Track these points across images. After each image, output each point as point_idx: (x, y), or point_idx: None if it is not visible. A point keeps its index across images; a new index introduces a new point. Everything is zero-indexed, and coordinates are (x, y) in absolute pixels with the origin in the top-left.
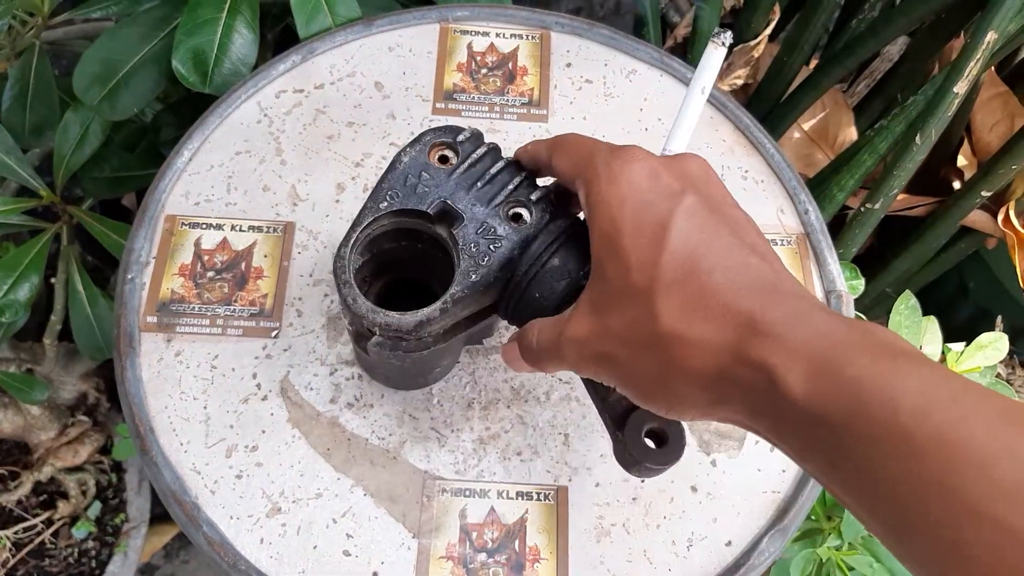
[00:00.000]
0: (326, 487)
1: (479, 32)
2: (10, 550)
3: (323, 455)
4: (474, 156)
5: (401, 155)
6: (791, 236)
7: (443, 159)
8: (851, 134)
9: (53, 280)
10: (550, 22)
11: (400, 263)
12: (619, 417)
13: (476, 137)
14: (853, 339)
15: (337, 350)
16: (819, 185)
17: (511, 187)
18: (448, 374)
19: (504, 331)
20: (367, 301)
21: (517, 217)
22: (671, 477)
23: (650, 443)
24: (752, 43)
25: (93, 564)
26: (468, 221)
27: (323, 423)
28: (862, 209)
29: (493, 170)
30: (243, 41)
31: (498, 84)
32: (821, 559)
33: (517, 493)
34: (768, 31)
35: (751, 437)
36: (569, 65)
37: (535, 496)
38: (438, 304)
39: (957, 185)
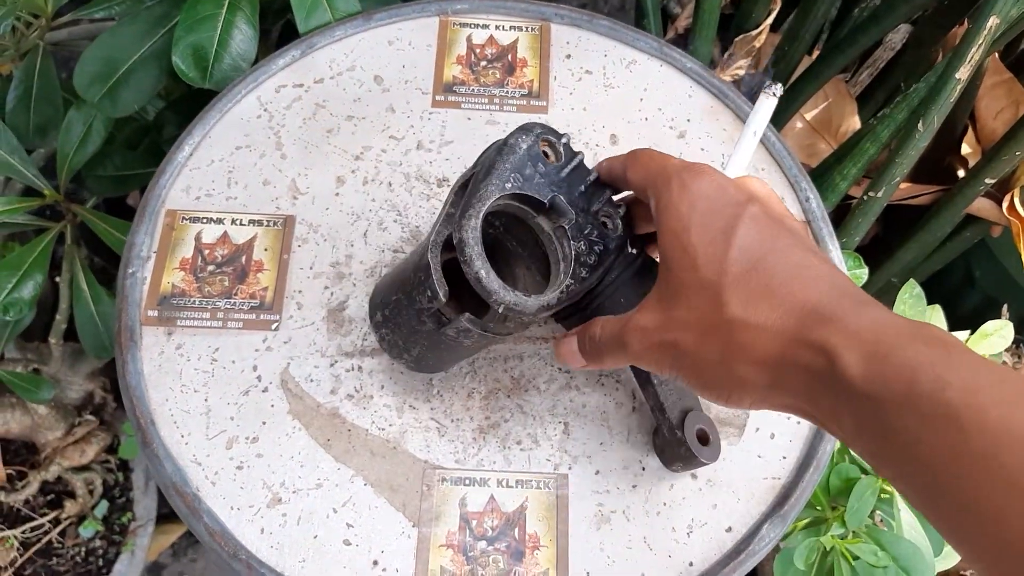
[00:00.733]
0: (326, 477)
1: (478, 24)
2: (18, 549)
3: (323, 446)
4: (576, 161)
5: (519, 141)
6: None
7: (545, 155)
8: (854, 123)
9: (59, 279)
10: (549, 14)
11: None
12: (678, 418)
13: (570, 143)
14: (908, 329)
15: (337, 342)
16: (822, 175)
17: (604, 198)
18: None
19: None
20: (499, 279)
21: (604, 226)
22: None
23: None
24: (753, 33)
25: (100, 563)
26: (573, 221)
27: (323, 414)
28: (865, 198)
29: (590, 178)
30: (243, 37)
31: (498, 76)
32: (825, 548)
33: (517, 481)
34: (769, 21)
35: (751, 424)
36: (569, 56)
37: (535, 484)
38: (556, 293)
39: (962, 173)
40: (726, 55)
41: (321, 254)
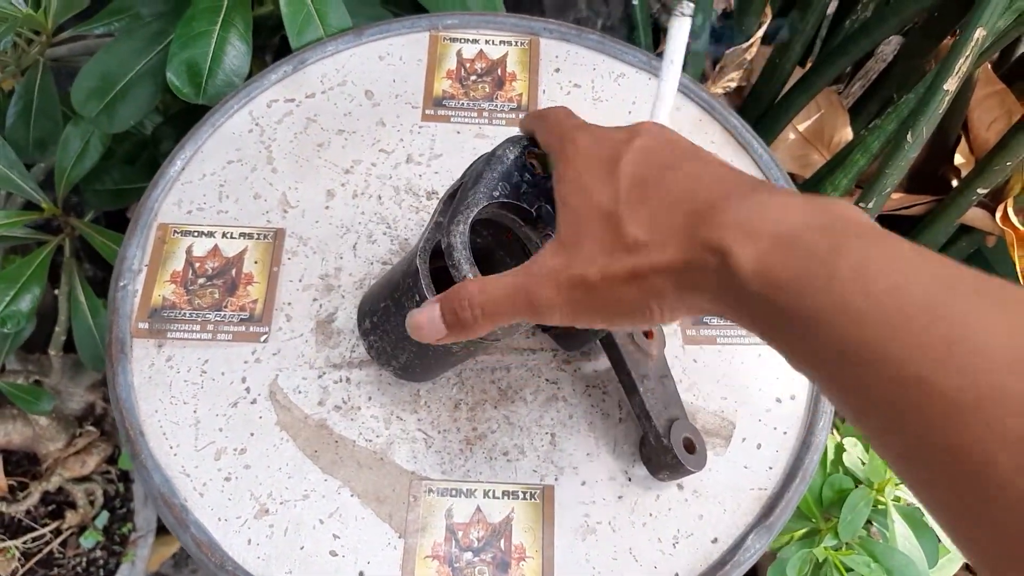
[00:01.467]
0: (313, 488)
1: (468, 39)
2: (19, 560)
3: (311, 457)
4: None
5: (507, 152)
6: None
7: (532, 166)
8: (846, 134)
9: (58, 292)
10: (539, 28)
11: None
12: (664, 427)
13: None
14: (806, 218)
15: (325, 354)
16: (815, 185)
17: None
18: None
19: None
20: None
21: None
22: None
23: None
24: (744, 46)
25: (101, 573)
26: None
27: (311, 426)
28: None
29: None
30: (236, 53)
31: (487, 90)
32: (818, 559)
33: (503, 492)
34: (760, 33)
35: (737, 434)
36: (558, 70)
37: (521, 495)
38: None
39: (955, 184)
40: (717, 68)
41: (311, 267)
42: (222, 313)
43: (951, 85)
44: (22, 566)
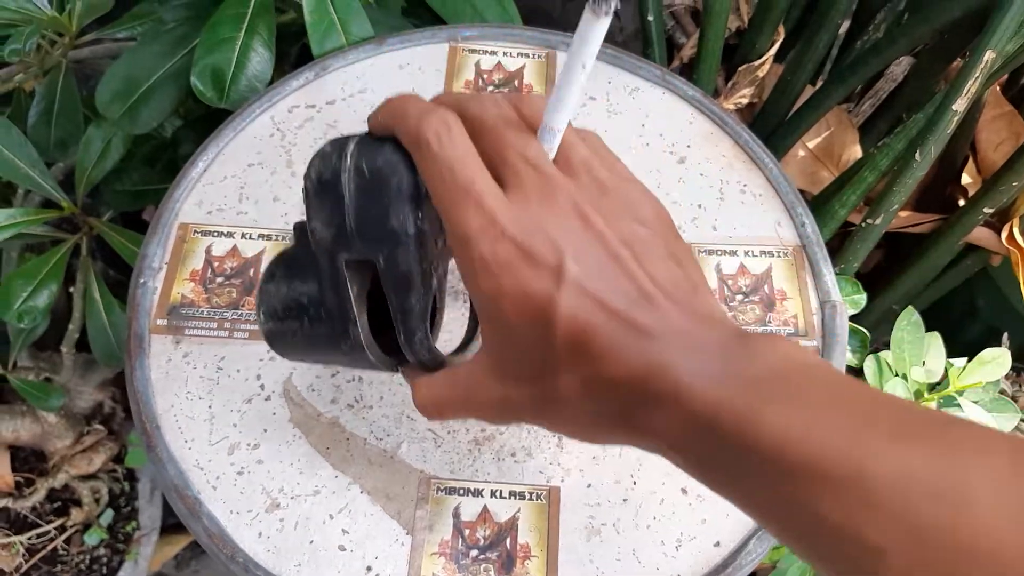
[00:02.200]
0: (324, 484)
1: (487, 51)
2: (24, 555)
3: (322, 454)
4: None
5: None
6: (788, 248)
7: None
8: (856, 152)
9: (72, 290)
10: (555, 41)
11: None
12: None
13: None
14: (743, 381)
15: None
16: (824, 202)
17: None
18: None
19: None
20: (434, 346)
21: None
22: (662, 479)
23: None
24: (757, 63)
25: (104, 571)
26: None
27: (323, 423)
28: (863, 225)
29: None
30: (259, 59)
31: None
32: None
33: (510, 493)
34: (773, 51)
35: None
36: None
37: (527, 495)
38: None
39: (962, 203)
40: (730, 84)
41: None
42: (239, 312)
43: (960, 106)
44: (26, 562)
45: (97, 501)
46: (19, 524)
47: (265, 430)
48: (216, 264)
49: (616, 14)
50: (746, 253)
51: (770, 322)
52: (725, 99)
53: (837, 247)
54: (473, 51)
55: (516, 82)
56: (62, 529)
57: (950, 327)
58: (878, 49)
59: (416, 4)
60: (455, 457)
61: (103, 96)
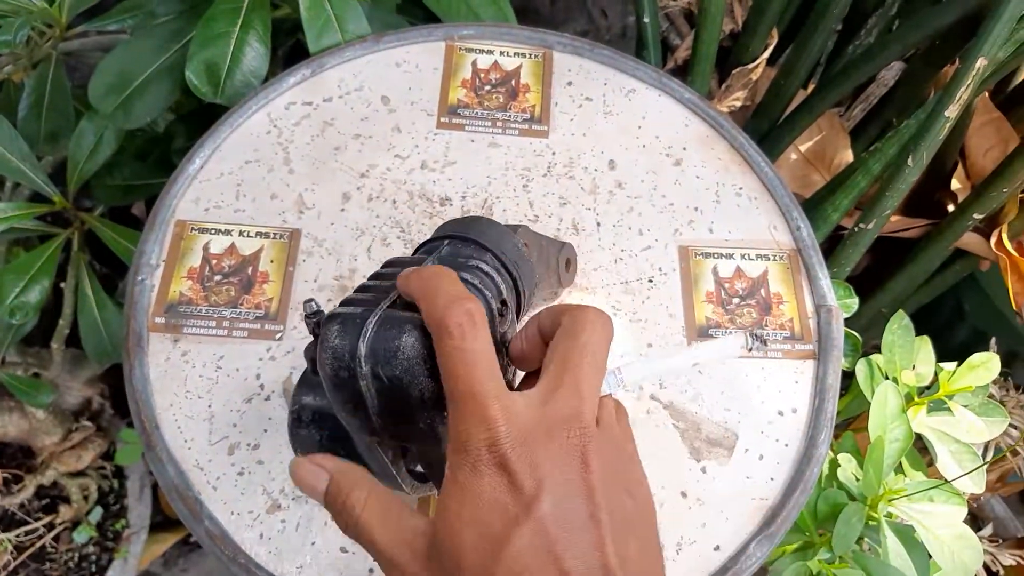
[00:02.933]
0: None
1: (483, 50)
2: (11, 553)
3: None
4: None
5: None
6: (783, 252)
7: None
8: (847, 156)
9: (62, 285)
10: (552, 42)
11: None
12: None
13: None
14: None
15: None
16: (815, 206)
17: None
18: None
19: None
20: (411, 480)
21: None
22: (662, 483)
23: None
24: (750, 67)
25: (93, 568)
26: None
27: None
28: (855, 229)
29: None
30: (255, 54)
31: (501, 100)
32: (812, 572)
33: None
34: (766, 55)
35: (740, 445)
36: (570, 84)
37: None
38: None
39: (952, 208)
40: (723, 87)
41: (325, 267)
42: (238, 310)
43: (952, 112)
44: (14, 559)
45: (86, 498)
46: (7, 521)
47: (265, 430)
48: (214, 262)
49: (604, 13)
50: (742, 256)
51: (767, 325)
52: (719, 101)
53: (829, 251)
54: (470, 50)
55: (513, 81)
56: (51, 527)
57: (938, 331)
58: (870, 54)
59: (410, 2)
60: None
61: (96, 90)
